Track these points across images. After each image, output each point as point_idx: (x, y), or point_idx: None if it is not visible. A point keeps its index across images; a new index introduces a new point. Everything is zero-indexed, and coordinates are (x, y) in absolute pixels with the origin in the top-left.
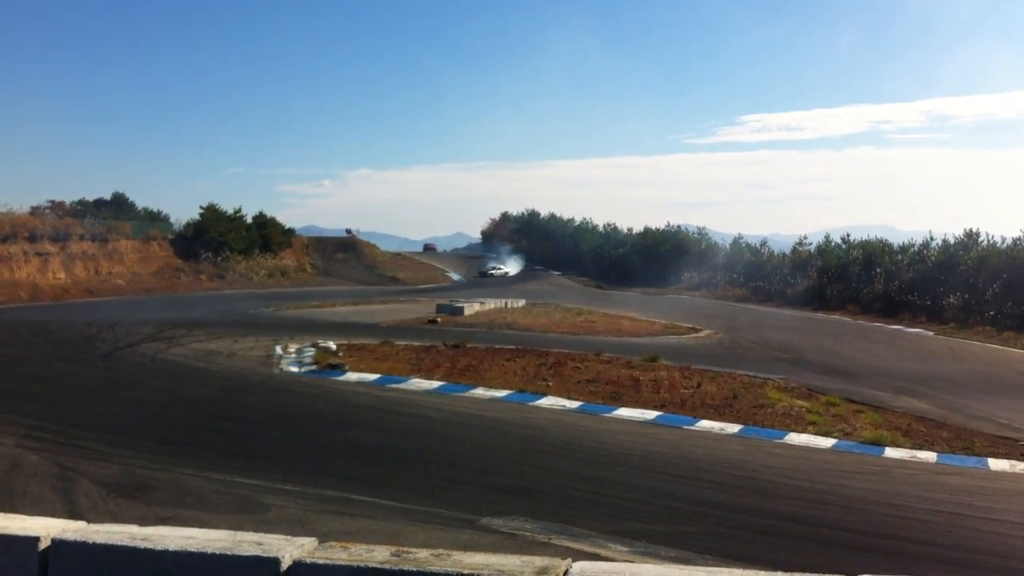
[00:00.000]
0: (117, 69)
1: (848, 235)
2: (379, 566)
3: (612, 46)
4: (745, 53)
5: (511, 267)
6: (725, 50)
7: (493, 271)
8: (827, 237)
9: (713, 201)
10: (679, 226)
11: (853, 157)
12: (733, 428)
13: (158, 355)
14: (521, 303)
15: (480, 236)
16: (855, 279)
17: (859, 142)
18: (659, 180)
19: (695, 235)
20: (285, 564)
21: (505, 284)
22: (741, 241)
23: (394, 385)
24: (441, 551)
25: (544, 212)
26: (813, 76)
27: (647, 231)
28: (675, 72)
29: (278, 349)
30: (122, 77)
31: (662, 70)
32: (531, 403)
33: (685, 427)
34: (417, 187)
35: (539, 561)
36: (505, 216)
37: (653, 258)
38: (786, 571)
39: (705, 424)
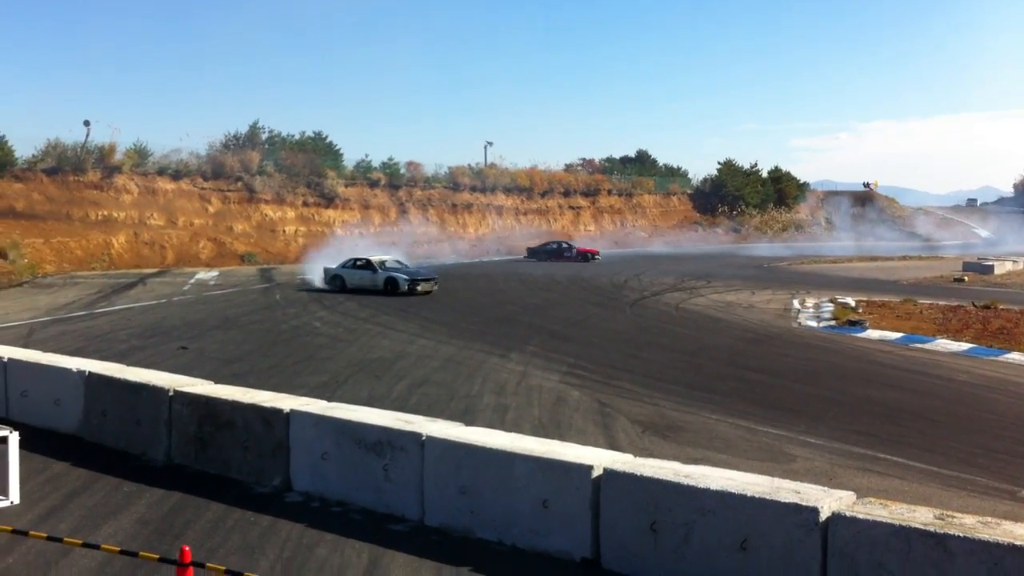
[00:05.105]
0: (652, 40)
1: None
2: (922, 527)
3: None
4: None
5: None
6: None
7: None
8: None
9: None
10: None
11: None
12: None
13: (680, 304)
14: None
15: (1012, 190)
16: None
17: None
18: None
19: None
20: (824, 515)
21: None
22: None
23: (917, 345)
24: (989, 519)
25: None
26: None
27: None
28: None
29: (795, 303)
30: (648, 46)
31: None
32: None
33: None
34: (939, 138)
35: None
36: None
37: None
38: None
39: None
